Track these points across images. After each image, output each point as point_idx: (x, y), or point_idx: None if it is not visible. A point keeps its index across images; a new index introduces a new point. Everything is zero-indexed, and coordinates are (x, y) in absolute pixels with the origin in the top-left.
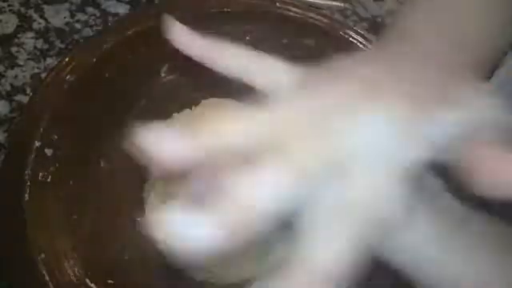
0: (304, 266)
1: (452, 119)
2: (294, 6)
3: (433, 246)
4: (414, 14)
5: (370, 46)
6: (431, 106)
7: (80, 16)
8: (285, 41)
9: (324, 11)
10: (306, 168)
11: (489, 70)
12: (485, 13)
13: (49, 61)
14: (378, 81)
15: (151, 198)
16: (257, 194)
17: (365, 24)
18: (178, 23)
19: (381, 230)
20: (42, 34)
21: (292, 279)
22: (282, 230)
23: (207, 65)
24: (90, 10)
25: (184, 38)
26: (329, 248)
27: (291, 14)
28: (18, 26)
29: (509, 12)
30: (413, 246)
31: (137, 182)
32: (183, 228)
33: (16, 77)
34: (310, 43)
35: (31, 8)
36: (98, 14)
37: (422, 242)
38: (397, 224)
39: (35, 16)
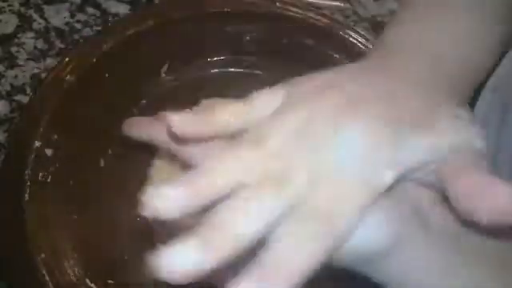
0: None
1: (424, 144)
2: (294, 5)
3: (421, 269)
4: (402, 26)
5: (369, 45)
6: (406, 130)
7: (80, 16)
8: (285, 41)
9: (324, 11)
10: (290, 178)
11: (473, 87)
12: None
13: (49, 61)
14: (362, 98)
15: None
16: (242, 221)
17: (365, 24)
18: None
19: (339, 242)
20: (42, 34)
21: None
22: None
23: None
24: (90, 9)
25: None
26: (301, 248)
27: (291, 13)
28: (17, 26)
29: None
30: (400, 270)
31: (137, 181)
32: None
33: (16, 77)
34: (310, 43)
35: (31, 8)
36: (98, 14)
37: (411, 267)
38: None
39: (35, 16)
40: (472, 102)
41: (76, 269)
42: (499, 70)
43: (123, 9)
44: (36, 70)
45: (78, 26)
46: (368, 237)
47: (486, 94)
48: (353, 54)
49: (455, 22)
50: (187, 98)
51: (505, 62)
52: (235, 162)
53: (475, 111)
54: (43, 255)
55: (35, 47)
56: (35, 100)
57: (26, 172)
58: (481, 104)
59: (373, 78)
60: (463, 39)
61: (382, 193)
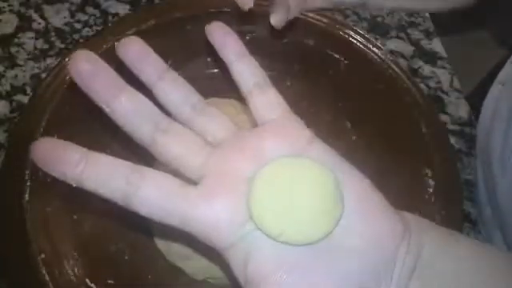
0: None
1: None
2: None
3: None
4: None
5: (369, 45)
6: None
7: (80, 16)
8: (285, 41)
9: (324, 11)
10: None
11: None
12: None
13: (49, 61)
14: None
15: None
16: None
17: (365, 24)
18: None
19: None
20: (42, 34)
21: None
22: None
23: None
24: (90, 9)
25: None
26: None
27: None
28: (17, 26)
29: None
30: None
31: None
32: None
33: (16, 77)
34: (310, 43)
35: (31, 8)
36: (98, 14)
37: None
38: None
39: (35, 16)
40: (482, 95)
41: (76, 269)
42: (507, 66)
43: (123, 9)
44: (36, 70)
45: (78, 26)
46: None
47: (495, 88)
48: (353, 54)
49: None
50: None
51: None
52: None
53: (485, 104)
54: (43, 255)
55: (35, 47)
56: (35, 100)
57: (26, 172)
58: (490, 97)
59: None
60: None
61: None
